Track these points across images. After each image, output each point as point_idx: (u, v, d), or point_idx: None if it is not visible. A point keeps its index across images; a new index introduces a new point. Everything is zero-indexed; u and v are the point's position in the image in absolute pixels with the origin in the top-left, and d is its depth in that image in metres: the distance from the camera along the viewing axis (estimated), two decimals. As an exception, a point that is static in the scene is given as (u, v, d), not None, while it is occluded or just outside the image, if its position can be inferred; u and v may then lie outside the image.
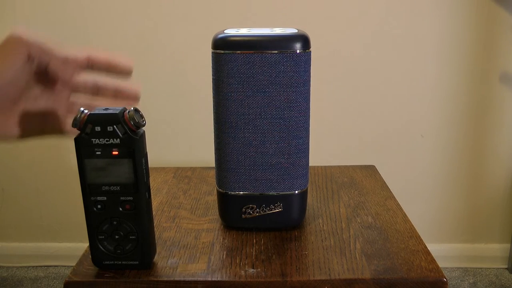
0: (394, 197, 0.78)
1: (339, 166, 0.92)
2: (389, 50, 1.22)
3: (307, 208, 0.68)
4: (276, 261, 0.59)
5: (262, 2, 1.19)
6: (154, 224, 0.59)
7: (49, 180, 1.34)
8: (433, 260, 0.59)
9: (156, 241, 0.59)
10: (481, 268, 1.38)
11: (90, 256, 0.57)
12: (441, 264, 0.59)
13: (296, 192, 0.64)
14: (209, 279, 0.55)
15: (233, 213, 0.65)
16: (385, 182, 0.84)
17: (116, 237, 0.55)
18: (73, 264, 0.59)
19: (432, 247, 0.66)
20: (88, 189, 0.53)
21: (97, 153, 0.51)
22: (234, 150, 0.62)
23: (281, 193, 0.64)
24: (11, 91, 0.46)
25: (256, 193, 0.64)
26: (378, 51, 1.22)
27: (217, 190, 0.66)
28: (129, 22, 1.21)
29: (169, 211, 0.73)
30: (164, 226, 0.68)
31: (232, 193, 0.64)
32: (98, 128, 0.50)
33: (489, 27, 1.20)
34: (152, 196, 0.77)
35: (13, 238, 1.40)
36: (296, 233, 0.66)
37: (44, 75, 0.48)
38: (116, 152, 0.51)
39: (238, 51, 0.59)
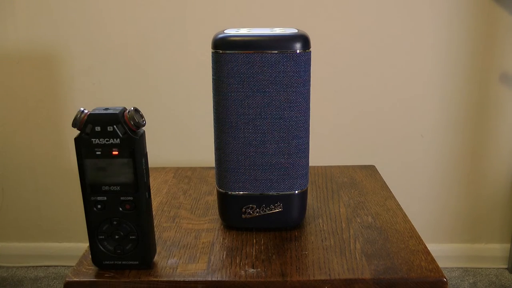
0: (394, 197, 0.78)
1: (339, 166, 0.92)
2: (389, 50, 1.22)
3: (307, 208, 0.68)
4: (276, 261, 0.59)
5: (262, 2, 1.19)
6: (154, 224, 0.59)
7: (49, 180, 1.34)
8: (433, 260, 0.59)
9: (156, 241, 0.59)
10: (481, 268, 1.38)
11: (90, 256, 0.57)
12: (441, 264, 0.59)
13: (296, 192, 0.64)
14: (209, 279, 0.55)
15: (233, 213, 0.65)
16: (385, 182, 0.84)
17: (116, 237, 0.55)
18: (73, 264, 0.59)
19: (432, 247, 0.66)
20: (88, 189, 0.53)
21: (97, 153, 0.51)
22: (234, 150, 0.62)
23: (281, 193, 0.64)
24: None
25: (256, 193, 0.64)
26: (377, 51, 1.22)
27: (217, 190, 0.66)
28: (129, 22, 1.21)
29: (169, 211, 0.73)
30: (164, 226, 0.68)
31: (232, 193, 0.64)
32: (98, 128, 0.50)
33: (489, 27, 1.20)
34: (152, 196, 0.77)
35: (13, 238, 1.40)
36: (296, 233, 0.66)
37: None
38: (116, 152, 0.51)
39: (238, 51, 0.59)
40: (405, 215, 0.71)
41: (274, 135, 0.61)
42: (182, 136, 1.29)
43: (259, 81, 0.59)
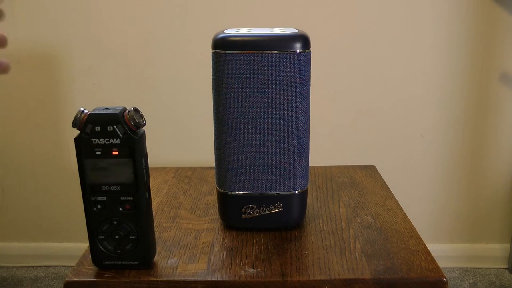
0: (394, 197, 0.78)
1: (339, 166, 0.92)
2: (389, 50, 1.22)
3: (307, 208, 0.68)
4: (276, 261, 0.59)
5: (262, 2, 1.19)
6: (154, 224, 0.59)
7: (49, 180, 1.34)
8: (433, 260, 0.59)
9: (156, 241, 0.59)
10: (481, 268, 1.38)
11: (90, 256, 0.57)
12: (441, 264, 0.59)
13: (296, 192, 0.64)
14: (209, 279, 0.55)
15: (233, 213, 0.65)
16: (385, 182, 0.84)
17: (116, 237, 0.55)
18: (73, 264, 0.59)
19: (432, 247, 0.66)
20: (88, 189, 0.53)
21: (97, 153, 0.51)
22: (234, 150, 0.62)
23: (281, 193, 0.64)
24: None
25: (256, 193, 0.64)
26: (377, 51, 1.22)
27: (217, 190, 0.66)
28: (129, 22, 1.21)
29: (169, 211, 0.73)
30: (164, 226, 0.68)
31: (232, 193, 0.64)
32: (98, 128, 0.50)
33: (489, 27, 1.20)
34: (152, 196, 0.77)
35: (13, 238, 1.40)
36: (296, 233, 0.66)
37: None
38: (116, 152, 0.51)
39: (238, 51, 0.59)
40: (405, 215, 0.71)
41: (274, 135, 0.61)
42: (182, 136, 1.29)
43: (259, 81, 0.59)
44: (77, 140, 0.51)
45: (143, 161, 0.53)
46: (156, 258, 0.59)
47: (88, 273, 0.56)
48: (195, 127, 1.28)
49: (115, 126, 0.50)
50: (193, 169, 0.91)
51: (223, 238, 0.65)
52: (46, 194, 1.35)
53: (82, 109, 0.51)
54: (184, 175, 0.88)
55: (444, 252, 1.37)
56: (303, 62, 0.59)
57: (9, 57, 1.23)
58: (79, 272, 0.57)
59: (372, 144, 1.29)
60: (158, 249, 0.61)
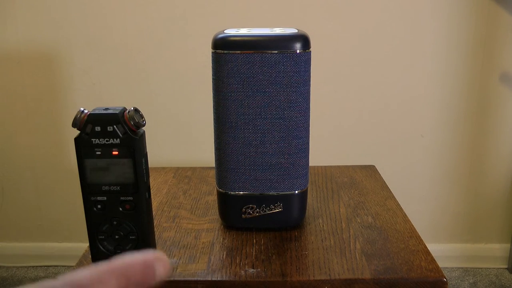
0: (394, 197, 0.78)
1: (339, 166, 0.92)
2: (389, 50, 1.22)
3: (307, 208, 0.68)
4: (276, 261, 0.59)
5: (262, 2, 1.19)
6: (154, 224, 0.59)
7: (49, 180, 1.34)
8: (433, 260, 0.59)
9: (156, 241, 0.59)
10: (481, 268, 1.38)
11: (90, 256, 0.57)
12: (441, 264, 0.59)
13: (296, 192, 0.64)
14: (209, 279, 0.55)
15: (233, 213, 0.65)
16: (385, 182, 0.84)
17: (116, 237, 0.55)
18: (73, 264, 0.59)
19: (432, 247, 0.66)
20: (88, 189, 0.53)
21: (97, 153, 0.51)
22: (234, 150, 0.62)
23: (281, 193, 0.64)
24: None
25: (256, 193, 0.64)
26: (377, 51, 1.22)
27: (217, 190, 0.66)
28: (129, 22, 1.21)
29: (169, 211, 0.73)
30: (164, 226, 0.68)
31: (232, 193, 0.64)
32: (98, 128, 0.50)
33: (489, 27, 1.20)
34: (152, 196, 0.77)
35: (13, 238, 1.40)
36: (296, 233, 0.66)
37: None
38: (116, 152, 0.51)
39: (238, 51, 0.59)
40: (405, 215, 0.71)
41: (274, 135, 0.61)
42: (182, 136, 1.29)
43: (259, 81, 0.59)
44: (77, 140, 0.51)
45: (143, 161, 0.53)
46: (156, 258, 0.59)
47: (88, 273, 0.56)
48: (195, 127, 1.28)
49: (115, 126, 0.50)
50: (193, 169, 0.91)
51: (223, 238, 0.65)
52: (46, 194, 1.35)
53: (82, 109, 0.51)
54: (184, 175, 0.88)
55: (444, 252, 1.37)
56: (303, 62, 0.59)
57: (9, 57, 1.23)
58: (79, 272, 0.57)
59: (372, 144, 1.29)
60: (158, 249, 0.61)
